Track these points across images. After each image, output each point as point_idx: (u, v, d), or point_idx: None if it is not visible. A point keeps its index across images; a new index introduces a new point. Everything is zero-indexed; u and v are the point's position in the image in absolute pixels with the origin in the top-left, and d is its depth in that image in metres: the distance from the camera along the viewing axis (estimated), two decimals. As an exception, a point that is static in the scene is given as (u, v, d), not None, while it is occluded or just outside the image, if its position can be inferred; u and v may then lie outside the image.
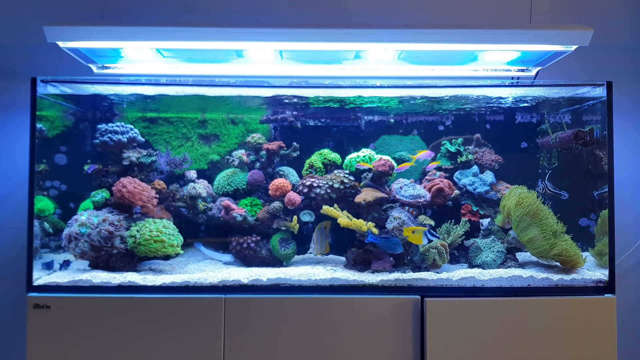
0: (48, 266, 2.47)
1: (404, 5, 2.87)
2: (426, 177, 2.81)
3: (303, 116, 2.97)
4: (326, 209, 2.52)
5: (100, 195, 2.53)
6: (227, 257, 2.70)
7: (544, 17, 2.87)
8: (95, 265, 2.42)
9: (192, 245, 2.77)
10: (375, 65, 2.57)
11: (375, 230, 2.46)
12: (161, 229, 2.43)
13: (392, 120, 3.02)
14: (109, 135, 2.62)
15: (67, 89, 2.52)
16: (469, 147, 2.91)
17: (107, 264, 2.41)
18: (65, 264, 2.48)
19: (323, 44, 2.25)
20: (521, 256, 2.64)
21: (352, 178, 2.68)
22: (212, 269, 2.51)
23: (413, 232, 2.33)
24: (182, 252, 2.49)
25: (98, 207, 2.52)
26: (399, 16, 2.87)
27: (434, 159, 2.88)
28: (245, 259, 2.66)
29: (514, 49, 2.37)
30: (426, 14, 2.88)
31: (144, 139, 2.74)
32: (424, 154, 2.74)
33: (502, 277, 2.33)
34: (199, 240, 2.79)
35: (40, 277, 2.31)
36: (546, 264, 2.51)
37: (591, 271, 2.44)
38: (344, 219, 2.48)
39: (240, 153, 2.86)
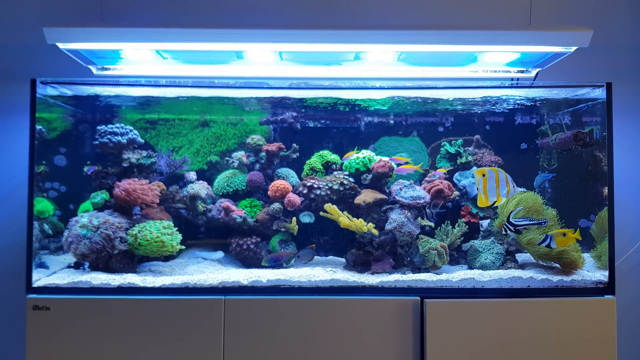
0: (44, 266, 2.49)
1: (404, 7, 2.88)
2: (426, 178, 2.81)
3: (303, 117, 2.97)
4: (328, 207, 2.51)
5: (100, 196, 2.52)
6: (219, 254, 2.70)
7: (544, 19, 2.87)
8: (95, 267, 2.42)
9: (191, 248, 2.77)
10: (375, 67, 2.57)
11: (375, 232, 2.46)
12: (161, 229, 2.44)
13: (391, 122, 3.02)
14: (109, 136, 2.62)
15: (66, 91, 2.52)
16: (469, 149, 2.91)
17: (107, 266, 2.41)
18: (81, 265, 2.49)
19: (323, 45, 2.25)
20: (521, 257, 2.64)
21: (351, 180, 2.68)
22: (211, 270, 2.51)
23: (564, 234, 2.27)
24: (183, 247, 2.49)
25: (98, 208, 2.52)
26: (398, 17, 2.87)
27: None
28: (245, 260, 2.66)
29: (513, 50, 2.38)
30: (426, 15, 2.88)
31: (143, 141, 2.74)
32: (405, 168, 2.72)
33: (502, 278, 2.33)
34: (198, 242, 2.79)
35: (40, 279, 2.30)
36: (546, 265, 2.51)
37: (591, 272, 2.44)
38: (345, 219, 2.48)
39: (240, 154, 2.86)
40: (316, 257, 2.77)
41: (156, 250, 2.40)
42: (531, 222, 2.31)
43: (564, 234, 2.25)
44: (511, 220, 2.29)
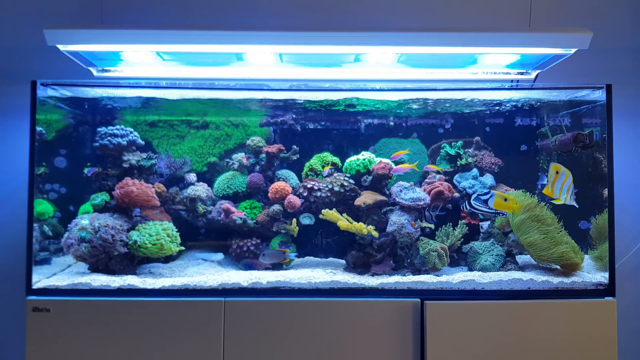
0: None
1: (403, 8, 2.88)
2: (426, 179, 2.81)
3: (303, 119, 2.97)
4: (326, 212, 2.52)
5: (100, 198, 2.52)
6: (219, 256, 2.70)
7: (544, 20, 2.88)
8: (94, 269, 2.41)
9: (191, 250, 2.78)
10: (375, 68, 2.57)
11: (375, 234, 2.46)
12: (160, 230, 2.44)
13: (391, 123, 3.02)
14: (109, 138, 2.62)
15: (67, 92, 2.52)
16: (469, 150, 2.91)
17: (107, 267, 2.41)
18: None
19: (323, 47, 2.26)
20: (521, 259, 2.64)
21: (352, 181, 2.68)
22: (211, 271, 2.51)
23: (505, 200, 2.31)
24: (182, 248, 2.50)
25: (98, 210, 2.52)
26: (398, 19, 2.87)
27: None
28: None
29: (513, 51, 2.38)
30: (425, 16, 2.88)
31: (143, 142, 2.74)
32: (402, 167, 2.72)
33: (502, 280, 2.32)
34: (198, 244, 2.80)
35: (40, 280, 2.30)
36: (546, 267, 2.51)
37: (591, 274, 2.43)
38: (344, 222, 2.47)
39: (240, 156, 2.86)
40: (316, 259, 2.77)
41: (156, 251, 2.40)
42: (489, 210, 2.39)
43: (506, 199, 2.30)
44: (472, 202, 2.43)
